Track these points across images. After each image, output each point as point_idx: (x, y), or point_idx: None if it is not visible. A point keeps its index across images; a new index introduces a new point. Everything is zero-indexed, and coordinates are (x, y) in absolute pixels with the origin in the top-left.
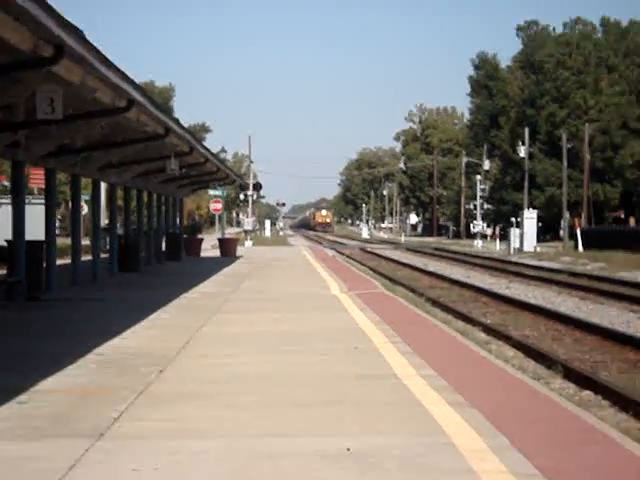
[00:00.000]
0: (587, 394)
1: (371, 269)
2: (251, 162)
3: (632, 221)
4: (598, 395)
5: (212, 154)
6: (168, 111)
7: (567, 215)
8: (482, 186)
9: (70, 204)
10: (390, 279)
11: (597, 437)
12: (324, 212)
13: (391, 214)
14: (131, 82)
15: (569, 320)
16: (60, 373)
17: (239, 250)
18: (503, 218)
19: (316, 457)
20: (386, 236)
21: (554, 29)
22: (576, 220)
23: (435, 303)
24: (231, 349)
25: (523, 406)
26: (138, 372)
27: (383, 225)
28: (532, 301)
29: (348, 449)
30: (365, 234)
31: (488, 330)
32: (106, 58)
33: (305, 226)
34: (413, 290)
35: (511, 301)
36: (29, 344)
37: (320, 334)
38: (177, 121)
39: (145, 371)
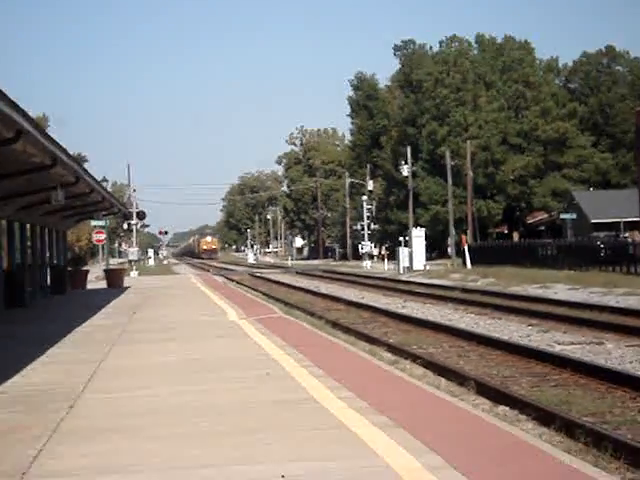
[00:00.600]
0: (503, 409)
1: (264, 294)
2: (134, 190)
3: (516, 236)
4: (514, 409)
5: (98, 183)
6: (54, 140)
7: (453, 232)
8: (368, 206)
9: None
10: (286, 303)
11: (529, 450)
12: (209, 238)
13: (276, 238)
14: (21, 112)
15: (471, 336)
16: None
17: (126, 281)
18: (389, 238)
19: None
20: (272, 260)
21: (431, 47)
22: (463, 237)
23: (335, 325)
24: (139, 381)
25: (448, 423)
26: (47, 408)
27: (268, 250)
28: (430, 319)
29: (283, 476)
30: (251, 259)
31: (393, 349)
32: None
33: (189, 254)
34: (311, 313)
35: (410, 320)
36: None
37: (228, 361)
38: (65, 150)
39: (54, 407)
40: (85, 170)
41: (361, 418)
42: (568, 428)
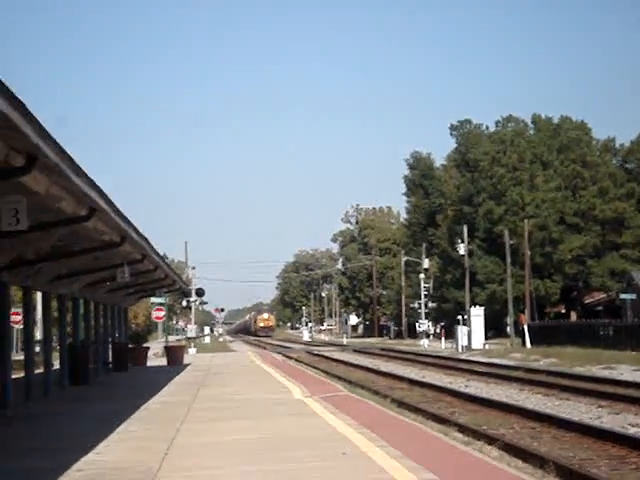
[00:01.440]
0: None
1: (325, 372)
2: (193, 268)
3: (573, 316)
4: None
5: (163, 260)
6: (125, 217)
7: (512, 311)
8: (425, 285)
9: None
10: (348, 381)
11: None
12: (266, 315)
13: (330, 315)
14: (97, 189)
15: (541, 417)
16: None
17: (185, 358)
18: (445, 316)
19: None
20: (327, 338)
21: (487, 127)
22: (522, 316)
23: (401, 404)
24: (215, 460)
25: None
26: None
27: (323, 327)
28: (496, 398)
29: None
30: (306, 337)
31: (464, 430)
32: (78, 166)
33: (245, 331)
34: (375, 392)
35: (475, 399)
36: (3, 461)
37: (301, 440)
38: (135, 228)
39: None
40: (151, 247)
41: None
42: None
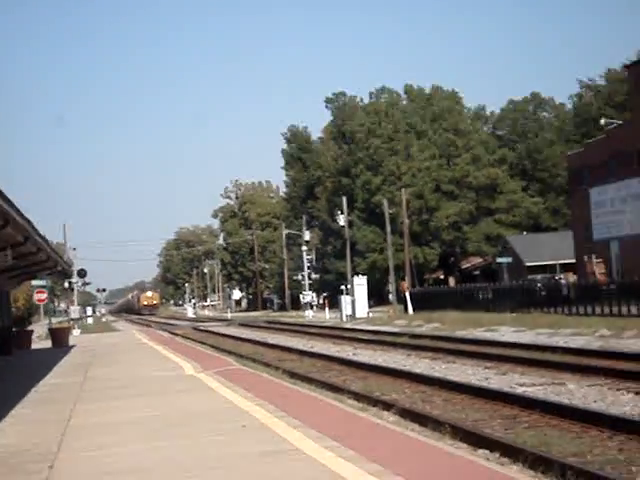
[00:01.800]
0: (484, 452)
1: (213, 347)
2: (74, 249)
3: (452, 281)
4: (495, 452)
5: (45, 242)
6: (8, 200)
7: (393, 279)
8: (308, 257)
9: None
10: (238, 355)
11: None
12: (150, 293)
13: (214, 291)
14: None
15: (430, 381)
16: None
17: (69, 339)
18: (328, 287)
19: None
20: (211, 314)
21: (362, 99)
22: (402, 283)
23: (293, 375)
24: (113, 438)
25: (440, 466)
26: (28, 469)
27: (206, 303)
28: (384, 365)
29: None
30: (190, 313)
31: (358, 397)
32: None
33: (128, 310)
34: (266, 364)
35: (365, 367)
36: None
37: (197, 415)
38: (18, 210)
39: (35, 468)
40: (34, 229)
41: (354, 467)
42: (547, 467)
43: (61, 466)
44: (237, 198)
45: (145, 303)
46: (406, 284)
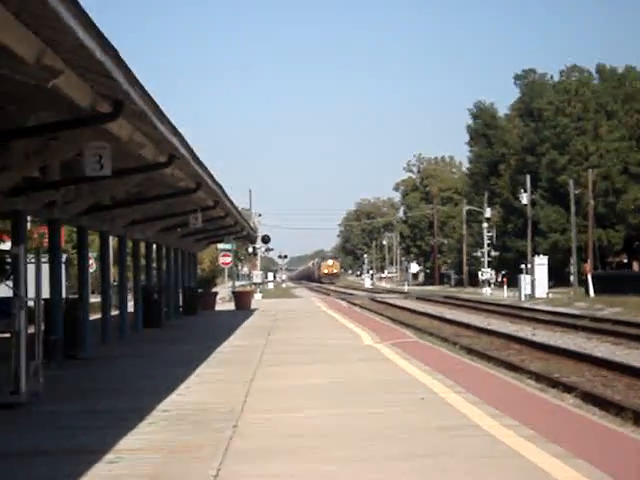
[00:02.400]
0: None
1: (391, 319)
2: (259, 215)
3: (636, 265)
4: None
5: (235, 208)
6: (202, 164)
7: (575, 261)
8: (489, 234)
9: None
10: (415, 328)
11: None
12: (331, 262)
13: (391, 263)
14: (179, 136)
15: (611, 365)
16: (134, 431)
17: (251, 303)
18: (506, 265)
19: None
20: (388, 286)
21: (552, 77)
22: (585, 265)
23: (471, 351)
24: (294, 402)
25: (626, 454)
26: (212, 428)
27: (384, 275)
28: (564, 347)
29: None
30: (368, 284)
31: (537, 377)
32: (162, 113)
33: (307, 277)
34: (443, 339)
35: (544, 348)
36: (88, 403)
37: (377, 385)
38: (210, 175)
39: (219, 426)
40: (225, 194)
41: (534, 447)
42: None
43: (244, 426)
44: (419, 172)
45: (325, 271)
46: (588, 266)
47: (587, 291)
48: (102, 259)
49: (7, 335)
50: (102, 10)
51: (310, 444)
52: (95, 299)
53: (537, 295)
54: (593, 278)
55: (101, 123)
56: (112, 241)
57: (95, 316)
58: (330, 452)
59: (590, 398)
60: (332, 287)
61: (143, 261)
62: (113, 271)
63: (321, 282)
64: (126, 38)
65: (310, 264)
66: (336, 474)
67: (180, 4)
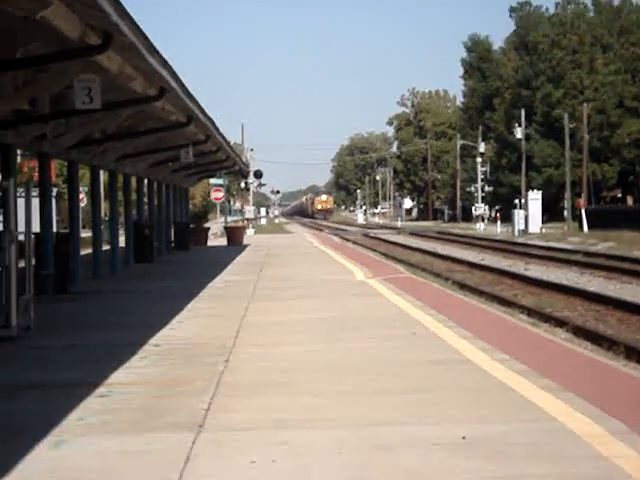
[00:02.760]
0: None
1: (383, 254)
2: (251, 150)
3: (630, 200)
4: None
5: (226, 142)
6: (192, 97)
7: (569, 195)
8: (482, 169)
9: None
10: (408, 264)
11: None
12: (324, 197)
13: (385, 199)
14: (169, 68)
15: (604, 300)
16: (126, 365)
17: (243, 238)
18: (500, 200)
19: (435, 447)
20: (381, 221)
21: (547, 9)
22: (579, 200)
23: (463, 286)
24: (286, 337)
25: (617, 387)
26: (204, 362)
27: (377, 210)
28: (557, 281)
29: (464, 437)
30: (361, 219)
31: (529, 312)
32: (152, 45)
33: (300, 213)
34: (436, 274)
35: (536, 282)
36: (79, 337)
37: (370, 320)
38: (201, 108)
39: (210, 361)
40: (216, 127)
41: (525, 381)
42: None
43: (236, 361)
44: (413, 106)
45: (319, 207)
46: (582, 201)
47: (581, 226)
48: (93, 194)
49: None
50: None
51: (301, 378)
52: (86, 234)
53: (531, 230)
54: (587, 213)
55: (90, 55)
56: (103, 175)
57: (86, 251)
58: (321, 386)
59: (582, 332)
60: (325, 222)
61: (134, 196)
62: (104, 206)
63: (315, 218)
64: None
65: (303, 199)
66: (327, 407)
67: None
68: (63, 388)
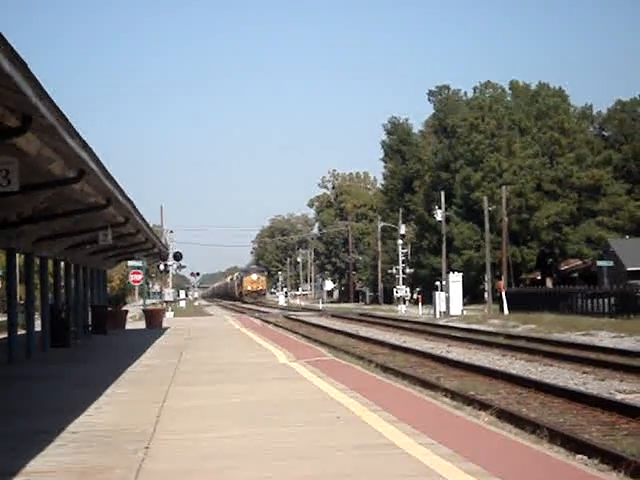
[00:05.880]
0: (581, 457)
1: (305, 336)
2: (170, 232)
3: (549, 282)
4: (593, 459)
5: (145, 223)
6: (112, 179)
7: (490, 277)
8: (403, 250)
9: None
10: (330, 346)
11: None
12: (255, 276)
13: (306, 280)
14: (89, 150)
15: (526, 383)
16: (44, 453)
17: (163, 321)
18: (422, 282)
19: None
20: (303, 303)
21: (465, 93)
22: (500, 282)
23: (387, 369)
24: (208, 422)
25: (539, 470)
26: (124, 449)
27: (298, 292)
28: (479, 364)
29: None
30: (282, 302)
31: (452, 395)
32: (72, 127)
33: (226, 295)
34: (359, 357)
35: (459, 365)
36: None
37: (293, 404)
38: (121, 190)
39: (131, 448)
40: (136, 209)
41: (451, 466)
42: None
43: (157, 447)
44: (334, 188)
45: (249, 288)
46: (503, 283)
47: (501, 308)
48: (8, 277)
49: None
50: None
51: (223, 465)
52: (1, 318)
53: (452, 312)
54: (507, 295)
55: (8, 138)
56: (19, 258)
57: (1, 335)
58: (243, 473)
59: (506, 415)
60: (245, 305)
61: (51, 279)
62: (20, 289)
63: (243, 301)
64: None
65: (228, 279)
66: None
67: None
68: None
